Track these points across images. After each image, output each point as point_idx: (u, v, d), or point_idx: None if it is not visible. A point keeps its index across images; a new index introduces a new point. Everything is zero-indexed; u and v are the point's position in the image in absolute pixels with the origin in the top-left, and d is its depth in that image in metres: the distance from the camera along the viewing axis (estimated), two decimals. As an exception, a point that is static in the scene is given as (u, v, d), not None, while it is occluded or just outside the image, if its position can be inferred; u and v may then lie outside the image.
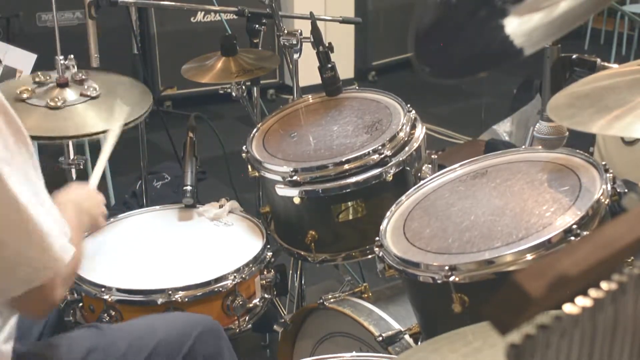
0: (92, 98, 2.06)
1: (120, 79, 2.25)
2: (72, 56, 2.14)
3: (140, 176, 2.88)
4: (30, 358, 1.42)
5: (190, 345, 1.55)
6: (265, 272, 1.96)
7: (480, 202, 1.57)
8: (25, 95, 2.02)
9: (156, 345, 1.52)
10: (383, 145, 1.84)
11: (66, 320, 1.83)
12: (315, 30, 2.11)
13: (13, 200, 1.12)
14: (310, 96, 2.20)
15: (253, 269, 1.89)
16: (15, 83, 2.22)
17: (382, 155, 1.82)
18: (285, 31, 2.29)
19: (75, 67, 2.13)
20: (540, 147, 1.67)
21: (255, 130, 2.12)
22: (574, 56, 1.55)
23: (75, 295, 1.85)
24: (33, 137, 1.36)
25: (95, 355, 1.46)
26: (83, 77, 2.10)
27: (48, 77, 2.10)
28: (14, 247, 1.15)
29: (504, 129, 3.86)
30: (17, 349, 1.38)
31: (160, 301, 1.76)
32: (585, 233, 1.36)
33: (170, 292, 1.76)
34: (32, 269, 1.17)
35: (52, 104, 2.01)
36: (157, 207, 2.20)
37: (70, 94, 2.07)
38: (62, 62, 2.10)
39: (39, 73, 2.13)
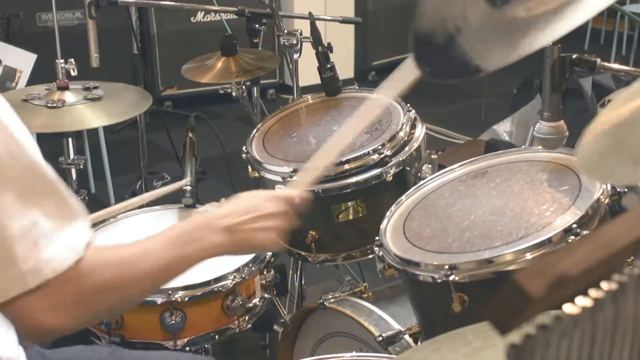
0: (94, 100, 2.11)
1: (121, 85, 2.28)
2: (72, 60, 2.15)
3: (140, 176, 2.88)
4: None
5: None
6: (265, 272, 1.96)
7: (480, 202, 1.57)
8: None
9: None
10: (383, 145, 1.83)
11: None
12: (314, 31, 2.11)
13: None
14: (310, 96, 2.20)
15: (253, 268, 1.89)
16: (23, 92, 2.25)
17: (382, 155, 1.82)
18: (285, 31, 2.29)
19: (76, 70, 2.15)
20: (540, 147, 1.66)
21: (255, 130, 2.11)
22: (574, 56, 1.54)
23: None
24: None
25: None
26: (90, 87, 2.16)
27: (53, 87, 2.15)
28: None
29: (504, 129, 3.86)
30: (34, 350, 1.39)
31: (160, 301, 1.75)
32: (585, 232, 1.36)
33: (170, 292, 1.76)
34: None
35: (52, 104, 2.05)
36: (157, 207, 2.20)
37: (70, 96, 2.10)
38: (62, 65, 2.12)
39: (44, 87, 2.18)
